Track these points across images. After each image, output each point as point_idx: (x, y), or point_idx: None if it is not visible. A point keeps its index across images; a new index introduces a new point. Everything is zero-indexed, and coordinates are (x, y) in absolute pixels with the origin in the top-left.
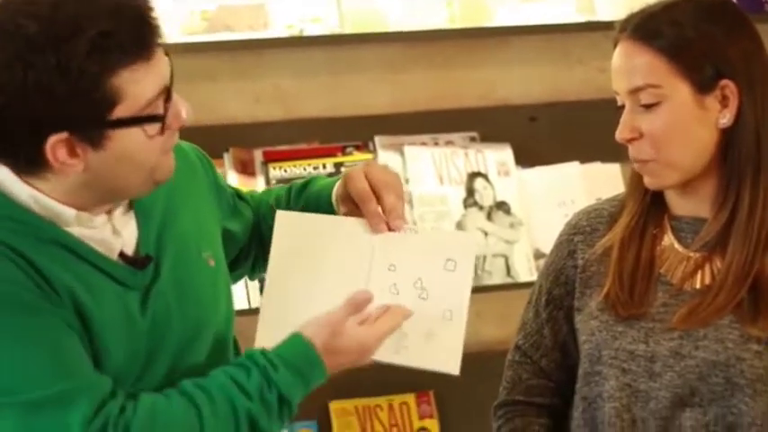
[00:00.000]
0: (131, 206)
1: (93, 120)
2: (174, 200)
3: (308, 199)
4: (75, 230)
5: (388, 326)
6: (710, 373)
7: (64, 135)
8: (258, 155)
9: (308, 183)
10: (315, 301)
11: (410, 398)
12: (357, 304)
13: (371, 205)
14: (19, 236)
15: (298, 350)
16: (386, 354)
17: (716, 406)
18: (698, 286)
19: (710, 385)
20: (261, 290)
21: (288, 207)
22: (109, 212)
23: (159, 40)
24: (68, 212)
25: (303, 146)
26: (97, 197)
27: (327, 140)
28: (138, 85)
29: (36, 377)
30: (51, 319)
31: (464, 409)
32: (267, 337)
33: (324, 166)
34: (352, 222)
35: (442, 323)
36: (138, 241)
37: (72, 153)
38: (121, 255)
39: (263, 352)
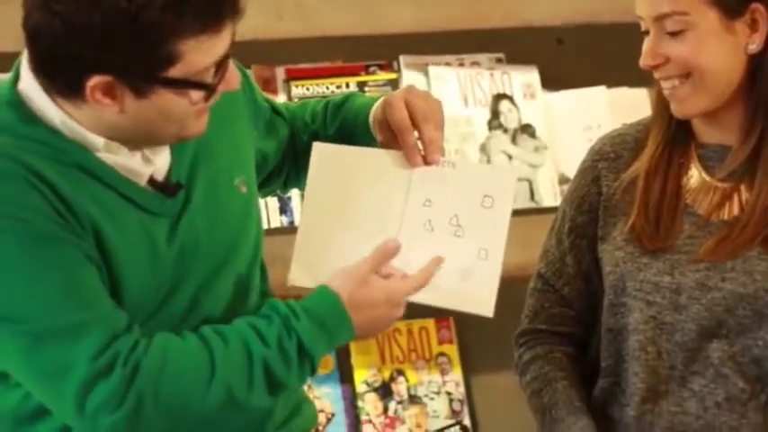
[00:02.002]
0: None
1: (143, 73)
2: (212, 125)
3: (346, 119)
4: (103, 156)
5: (418, 281)
6: (738, 305)
7: (109, 78)
8: (280, 72)
9: (345, 99)
10: (349, 236)
11: (430, 323)
12: (386, 253)
13: (410, 137)
14: (41, 158)
15: (322, 300)
16: (418, 293)
17: (743, 338)
18: (725, 217)
19: (738, 317)
20: (280, 210)
21: (324, 125)
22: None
23: (233, 16)
24: (98, 140)
25: (326, 64)
26: (124, 138)
27: (351, 59)
28: (198, 54)
29: (49, 307)
30: (70, 250)
31: (484, 334)
32: (302, 272)
33: (347, 85)
34: (389, 155)
35: (476, 262)
36: (171, 168)
37: (111, 95)
38: (151, 182)
39: (287, 302)
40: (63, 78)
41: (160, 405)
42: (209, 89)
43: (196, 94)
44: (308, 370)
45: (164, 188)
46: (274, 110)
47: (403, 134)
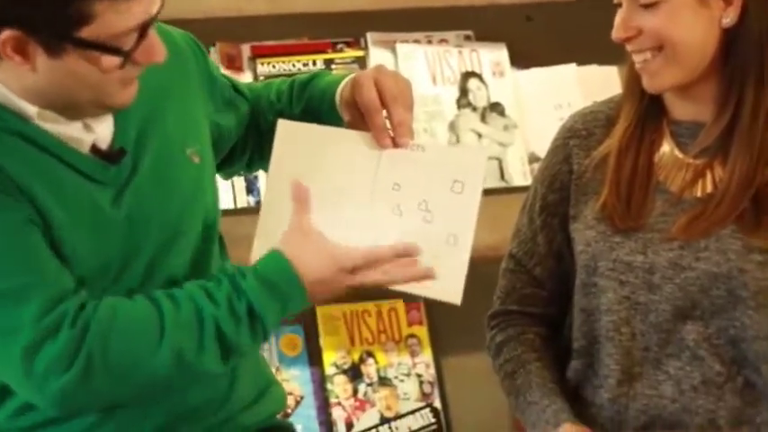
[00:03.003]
0: None
1: (54, 31)
2: (161, 94)
3: (312, 98)
4: (43, 125)
5: (372, 253)
6: (712, 285)
7: (18, 33)
8: (246, 50)
9: (312, 78)
10: (315, 217)
11: (399, 304)
12: (302, 201)
13: (379, 118)
14: None
15: (268, 260)
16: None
17: (718, 319)
18: (698, 195)
19: (712, 298)
20: (247, 190)
21: (289, 104)
22: None
23: None
24: (30, 108)
25: (292, 41)
26: (51, 103)
27: (317, 36)
28: (114, 16)
29: None
30: (9, 214)
31: (454, 315)
32: (264, 250)
33: (314, 63)
34: (357, 136)
35: (445, 248)
36: (114, 136)
37: (23, 52)
38: (94, 149)
39: (237, 265)
40: None
41: (109, 365)
42: (123, 56)
43: (108, 61)
44: (260, 332)
45: (107, 155)
46: (235, 88)
47: (372, 115)
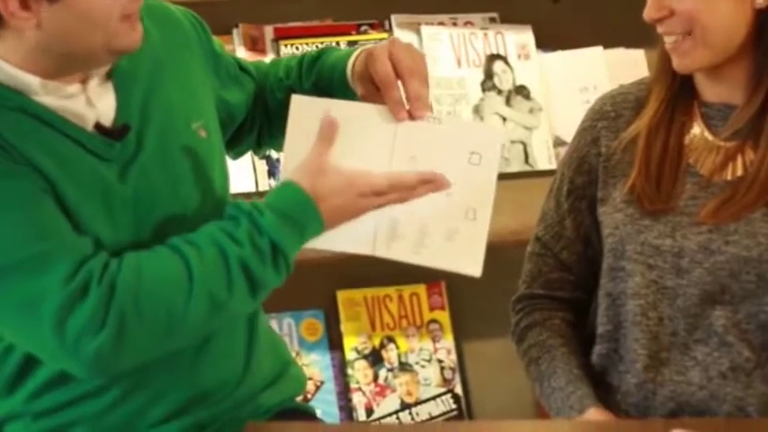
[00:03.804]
0: (109, 77)
1: None
2: (162, 68)
3: (321, 72)
4: (46, 100)
5: (393, 178)
6: (741, 269)
7: None
8: (269, 31)
9: (321, 53)
10: None
11: (421, 288)
12: (327, 138)
13: (394, 92)
14: None
15: (284, 193)
16: (404, 253)
17: (747, 304)
18: (729, 178)
19: (742, 282)
20: (269, 173)
21: (299, 80)
22: (83, 83)
23: None
24: (33, 80)
25: (316, 23)
26: (57, 63)
27: (341, 18)
28: None
29: (10, 241)
30: (22, 183)
31: (476, 300)
32: None
33: (338, 45)
34: (373, 109)
35: (464, 222)
36: (117, 112)
37: (25, 5)
38: (98, 127)
39: (251, 201)
40: None
41: (144, 320)
42: None
43: None
44: (283, 267)
45: (110, 132)
46: (240, 67)
47: (388, 88)
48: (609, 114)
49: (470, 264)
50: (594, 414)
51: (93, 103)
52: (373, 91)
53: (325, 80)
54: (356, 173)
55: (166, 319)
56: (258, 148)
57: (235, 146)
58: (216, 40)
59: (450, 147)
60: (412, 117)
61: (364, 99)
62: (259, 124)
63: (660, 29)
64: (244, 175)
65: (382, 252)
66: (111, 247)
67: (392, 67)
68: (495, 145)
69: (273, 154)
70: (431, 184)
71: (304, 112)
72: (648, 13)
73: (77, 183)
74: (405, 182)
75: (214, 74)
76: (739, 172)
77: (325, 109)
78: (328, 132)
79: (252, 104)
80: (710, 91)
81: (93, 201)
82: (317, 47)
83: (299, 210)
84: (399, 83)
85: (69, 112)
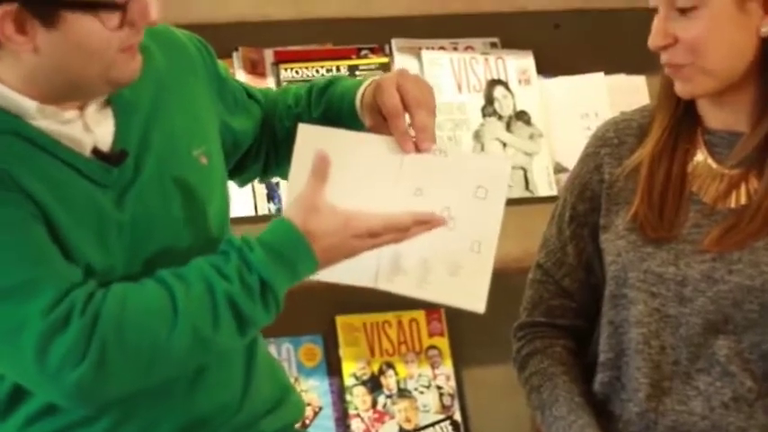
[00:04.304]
0: (109, 103)
1: None
2: (166, 92)
3: (331, 102)
4: (42, 124)
5: (388, 219)
6: (745, 299)
7: (14, 6)
8: (269, 55)
9: (330, 83)
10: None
11: (420, 314)
12: (321, 174)
13: (401, 122)
14: None
15: (275, 229)
16: (407, 287)
17: (751, 333)
18: (732, 206)
19: (745, 312)
20: (268, 197)
21: (308, 109)
22: (81, 109)
23: None
24: (29, 104)
25: (316, 47)
26: (55, 89)
27: (341, 42)
28: None
29: None
30: (13, 210)
31: (476, 327)
32: None
33: (337, 69)
34: (379, 140)
35: (469, 256)
36: (115, 138)
37: (21, 30)
38: (96, 152)
39: (243, 236)
40: None
41: (126, 351)
42: (117, 8)
43: (108, 19)
44: (273, 304)
45: (108, 157)
46: (248, 93)
47: (394, 119)
48: (612, 141)
49: (474, 299)
50: None
51: (91, 129)
52: (381, 122)
53: (335, 109)
54: (352, 212)
55: (149, 350)
56: (264, 175)
57: (241, 173)
58: (221, 64)
59: (457, 180)
60: (417, 148)
61: (372, 130)
62: (266, 152)
63: (664, 57)
64: (243, 199)
65: (385, 286)
66: (103, 272)
67: (400, 98)
68: (503, 178)
69: (273, 178)
70: (426, 224)
71: (310, 141)
72: (653, 41)
73: (70, 208)
74: (400, 223)
75: (219, 99)
76: (743, 200)
77: (331, 138)
78: (321, 168)
79: (259, 132)
80: (714, 118)
81: (86, 226)
82: (317, 71)
83: (290, 247)
84: (407, 114)
85: (66, 137)
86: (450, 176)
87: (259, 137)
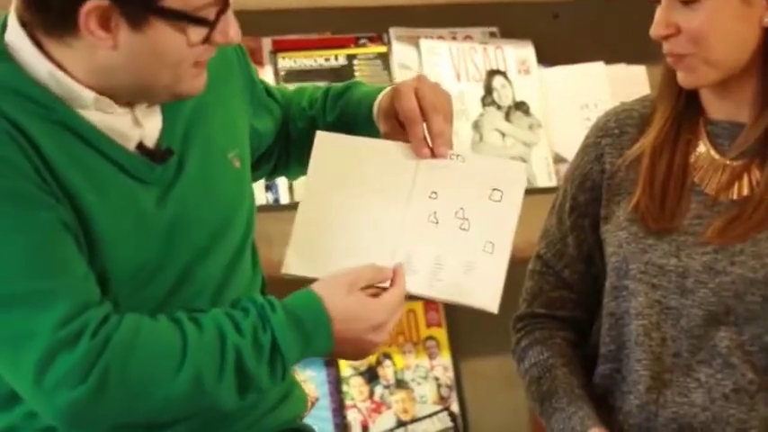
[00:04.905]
0: None
1: (139, 0)
2: (208, 93)
3: (347, 107)
4: (91, 115)
5: (394, 295)
6: (747, 290)
7: (105, 2)
8: (267, 44)
9: (347, 88)
10: (350, 227)
11: (418, 305)
12: (383, 278)
13: (418, 128)
14: (26, 113)
15: (302, 298)
16: (419, 286)
17: (752, 325)
18: (734, 197)
19: (747, 304)
20: (266, 187)
21: (323, 112)
22: (130, 104)
23: None
24: (87, 94)
25: (314, 36)
26: (119, 87)
27: (340, 31)
28: None
29: (9, 271)
30: (43, 214)
31: (473, 318)
32: (297, 261)
33: (336, 58)
34: (395, 147)
35: (482, 256)
36: (162, 135)
37: (106, 26)
38: (141, 147)
39: (267, 296)
40: (57, 8)
41: (127, 383)
42: (208, 25)
43: (194, 33)
44: (279, 369)
45: (153, 153)
46: (267, 92)
47: (412, 125)
48: (613, 131)
49: (487, 299)
50: None
51: (141, 123)
52: (397, 128)
53: (350, 115)
54: (378, 306)
55: (148, 386)
56: (271, 176)
57: (252, 170)
58: (253, 66)
59: (472, 184)
60: (434, 154)
61: (387, 136)
62: (278, 152)
63: (666, 47)
64: None
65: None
66: (126, 265)
67: (417, 104)
68: (519, 182)
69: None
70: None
71: (328, 148)
72: (656, 31)
73: (110, 204)
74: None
75: (249, 102)
76: (745, 191)
77: (348, 146)
78: (382, 277)
79: (277, 133)
80: (716, 108)
81: (122, 220)
82: (314, 60)
83: (311, 318)
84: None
85: (113, 130)
86: (466, 180)
87: (275, 138)
